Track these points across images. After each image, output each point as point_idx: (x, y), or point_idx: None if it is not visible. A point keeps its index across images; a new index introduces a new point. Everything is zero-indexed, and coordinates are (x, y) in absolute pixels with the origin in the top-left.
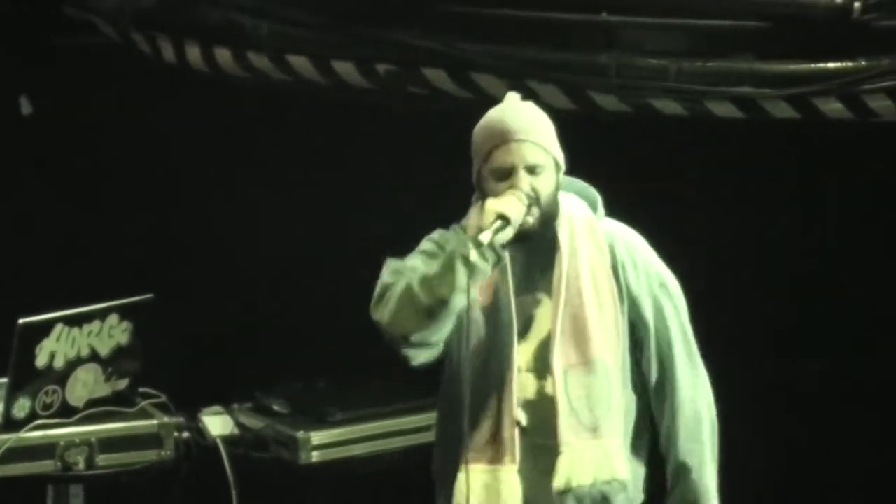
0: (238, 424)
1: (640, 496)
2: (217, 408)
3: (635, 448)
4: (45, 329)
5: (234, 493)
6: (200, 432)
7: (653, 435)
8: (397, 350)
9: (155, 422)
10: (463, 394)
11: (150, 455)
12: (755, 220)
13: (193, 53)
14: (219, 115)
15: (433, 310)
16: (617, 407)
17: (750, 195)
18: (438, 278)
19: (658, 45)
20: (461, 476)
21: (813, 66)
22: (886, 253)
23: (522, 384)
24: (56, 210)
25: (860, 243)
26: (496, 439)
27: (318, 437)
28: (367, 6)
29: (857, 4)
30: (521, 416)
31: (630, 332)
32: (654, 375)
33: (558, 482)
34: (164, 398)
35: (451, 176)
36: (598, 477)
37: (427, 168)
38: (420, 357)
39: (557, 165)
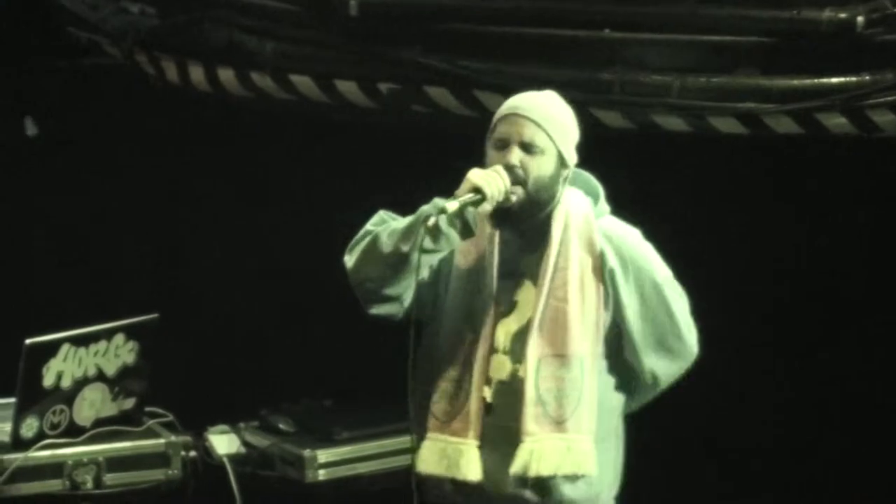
0: (244, 443)
1: (607, 494)
2: (223, 427)
3: (607, 447)
4: (51, 349)
5: None
6: (207, 451)
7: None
8: (360, 298)
9: (162, 441)
10: (436, 365)
11: (157, 474)
12: (760, 234)
13: (197, 73)
14: (222, 133)
15: (389, 260)
16: (588, 403)
17: (756, 210)
18: (402, 232)
19: (661, 62)
20: (425, 444)
21: (817, 81)
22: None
23: (497, 365)
24: (61, 230)
25: (863, 256)
26: (462, 413)
27: (324, 455)
28: (370, 25)
29: (860, 19)
30: (488, 394)
31: (616, 334)
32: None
33: (515, 468)
34: (171, 417)
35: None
36: (559, 470)
37: (438, 188)
38: (376, 308)
39: (561, 158)
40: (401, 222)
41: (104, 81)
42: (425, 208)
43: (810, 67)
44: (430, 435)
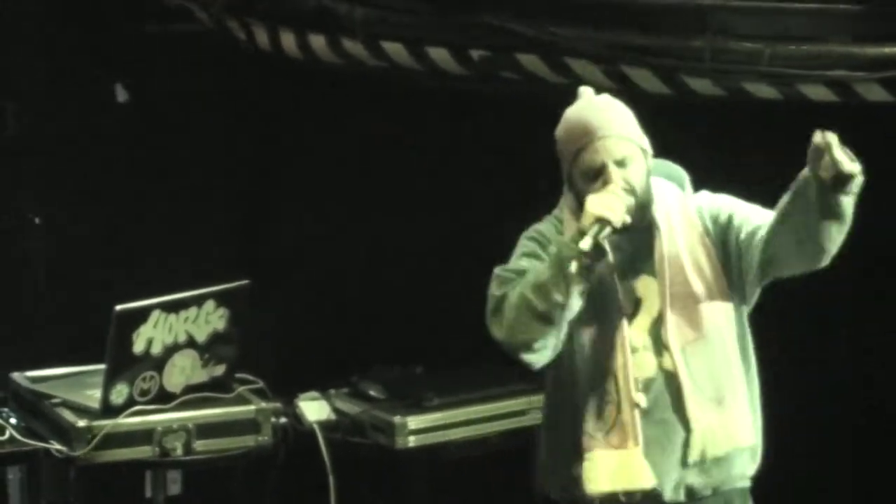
0: (335, 410)
1: (758, 442)
2: (314, 393)
3: (757, 408)
4: (142, 315)
5: (331, 478)
6: (297, 418)
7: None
8: (517, 358)
9: (252, 407)
10: (576, 381)
11: (247, 440)
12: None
13: (287, 40)
14: (316, 101)
15: (549, 314)
16: (738, 374)
17: None
18: (552, 283)
19: (752, 29)
20: (587, 464)
21: None
22: None
23: (639, 364)
24: (151, 197)
25: None
26: (617, 424)
27: (414, 421)
28: None
29: None
30: (641, 399)
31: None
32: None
33: (693, 456)
34: (261, 384)
35: (544, 166)
36: (729, 447)
37: (526, 156)
38: (541, 361)
39: (645, 152)
40: (539, 274)
41: (194, 47)
42: (557, 252)
43: None
44: (589, 455)
